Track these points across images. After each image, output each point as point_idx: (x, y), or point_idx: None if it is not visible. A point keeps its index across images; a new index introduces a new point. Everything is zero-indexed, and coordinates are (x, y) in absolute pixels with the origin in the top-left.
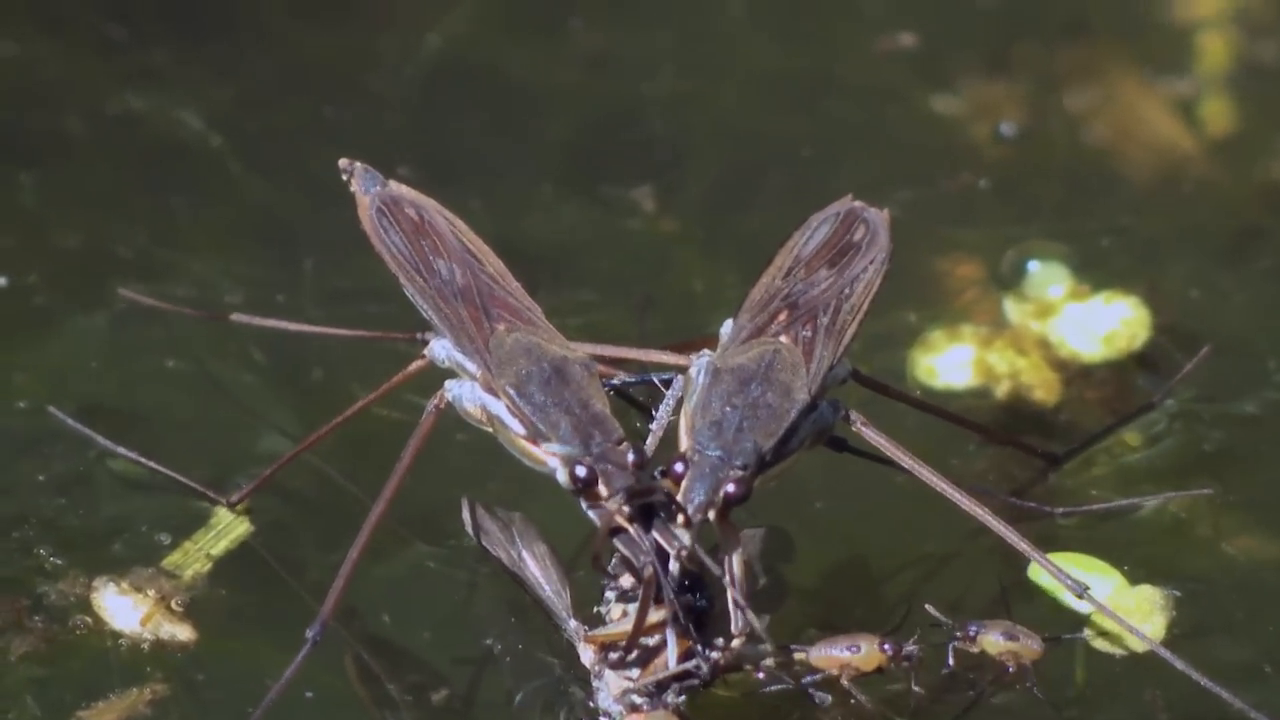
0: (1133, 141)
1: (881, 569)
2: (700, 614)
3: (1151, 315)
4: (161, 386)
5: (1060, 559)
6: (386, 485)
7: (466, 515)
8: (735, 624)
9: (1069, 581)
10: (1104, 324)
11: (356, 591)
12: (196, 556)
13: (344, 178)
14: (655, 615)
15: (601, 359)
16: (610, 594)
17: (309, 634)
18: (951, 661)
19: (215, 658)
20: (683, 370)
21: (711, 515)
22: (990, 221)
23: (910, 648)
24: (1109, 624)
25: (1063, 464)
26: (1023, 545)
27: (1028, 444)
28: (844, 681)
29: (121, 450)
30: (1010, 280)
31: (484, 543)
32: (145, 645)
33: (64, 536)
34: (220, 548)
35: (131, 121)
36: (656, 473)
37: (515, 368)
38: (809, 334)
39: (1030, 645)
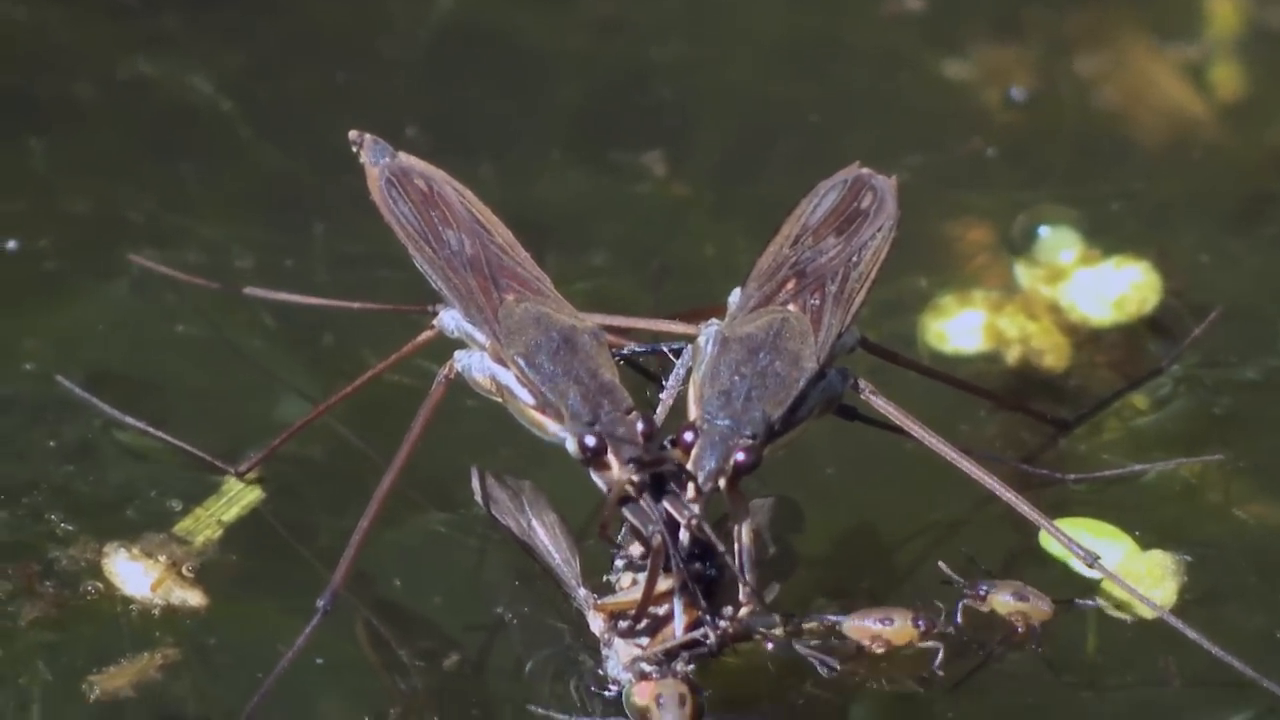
0: (1143, 106)
1: (891, 536)
2: (709, 583)
3: (1162, 280)
4: (172, 352)
5: (1071, 524)
6: (397, 454)
7: (476, 484)
8: (743, 592)
9: (1079, 550)
10: (1114, 289)
11: (368, 558)
12: (207, 523)
13: (354, 149)
14: (664, 584)
15: (611, 329)
16: (619, 562)
17: (319, 603)
18: (960, 619)
19: (226, 623)
20: (691, 340)
21: (722, 483)
22: (1000, 186)
23: (944, 626)
24: (1120, 590)
25: (1073, 429)
26: (1033, 514)
27: (1037, 410)
28: (875, 651)
29: (129, 420)
30: (1021, 245)
31: (493, 511)
32: (156, 611)
33: (74, 502)
34: (231, 514)
35: (142, 86)
36: (666, 442)
37: (524, 338)
38: (817, 302)
39: (1040, 606)
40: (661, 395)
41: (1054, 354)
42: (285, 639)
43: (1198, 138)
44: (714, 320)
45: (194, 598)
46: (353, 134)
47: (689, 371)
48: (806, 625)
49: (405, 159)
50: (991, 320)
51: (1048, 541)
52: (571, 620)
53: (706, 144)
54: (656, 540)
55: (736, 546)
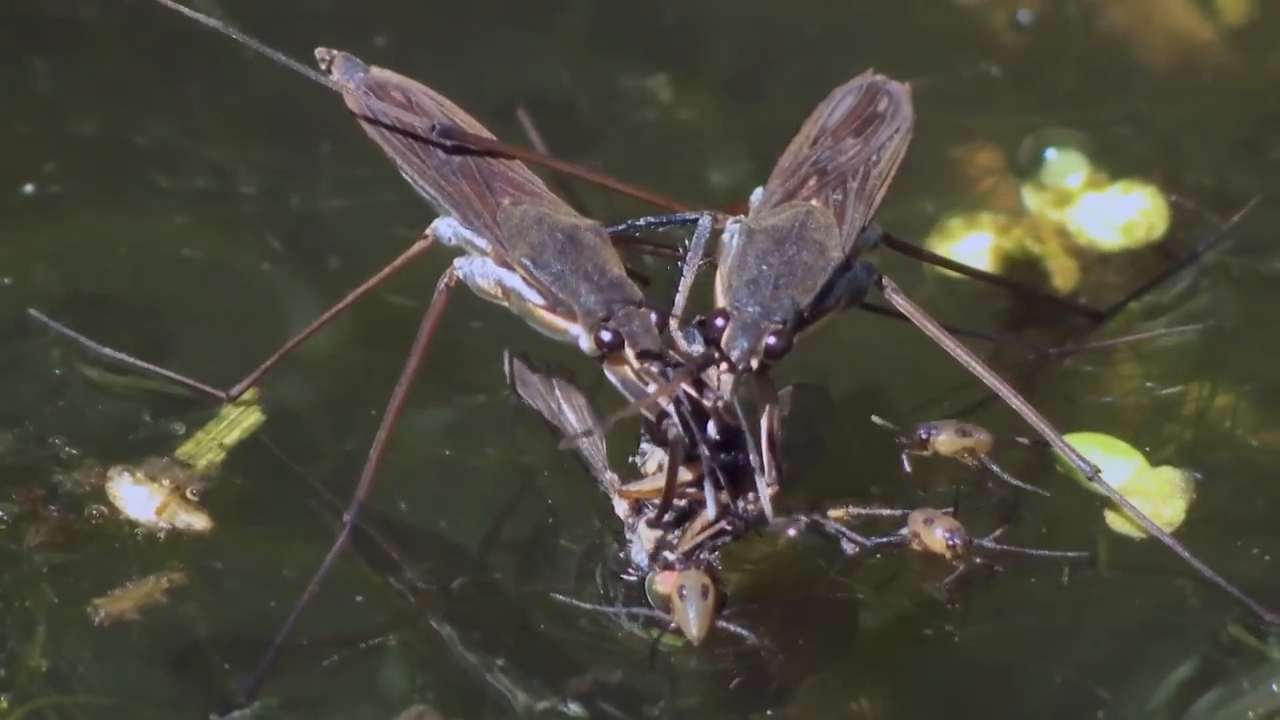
0: (1150, 29)
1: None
2: (735, 470)
3: (1168, 205)
4: (176, 275)
5: (1082, 439)
6: (407, 365)
7: (507, 366)
8: (768, 478)
9: (1081, 463)
10: (1122, 214)
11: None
12: (210, 446)
13: (322, 67)
14: (689, 473)
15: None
16: (646, 445)
17: (346, 518)
18: (908, 468)
19: (231, 547)
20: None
21: (754, 364)
22: (1007, 109)
23: (987, 543)
24: (1131, 506)
25: (1107, 319)
26: (1040, 424)
27: (1067, 300)
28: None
29: (107, 352)
30: (1027, 168)
31: (523, 393)
32: (161, 535)
33: (78, 426)
34: (233, 437)
35: (147, 6)
36: (692, 328)
37: (528, 239)
38: (840, 198)
39: (981, 438)
40: (683, 270)
41: (1062, 276)
42: (291, 562)
43: (1205, 61)
44: (740, 216)
45: (199, 521)
46: (320, 51)
47: (709, 264)
48: (832, 512)
49: (379, 72)
50: (999, 243)
51: (1061, 458)
52: (599, 504)
53: (713, 67)
54: (673, 433)
55: (762, 432)
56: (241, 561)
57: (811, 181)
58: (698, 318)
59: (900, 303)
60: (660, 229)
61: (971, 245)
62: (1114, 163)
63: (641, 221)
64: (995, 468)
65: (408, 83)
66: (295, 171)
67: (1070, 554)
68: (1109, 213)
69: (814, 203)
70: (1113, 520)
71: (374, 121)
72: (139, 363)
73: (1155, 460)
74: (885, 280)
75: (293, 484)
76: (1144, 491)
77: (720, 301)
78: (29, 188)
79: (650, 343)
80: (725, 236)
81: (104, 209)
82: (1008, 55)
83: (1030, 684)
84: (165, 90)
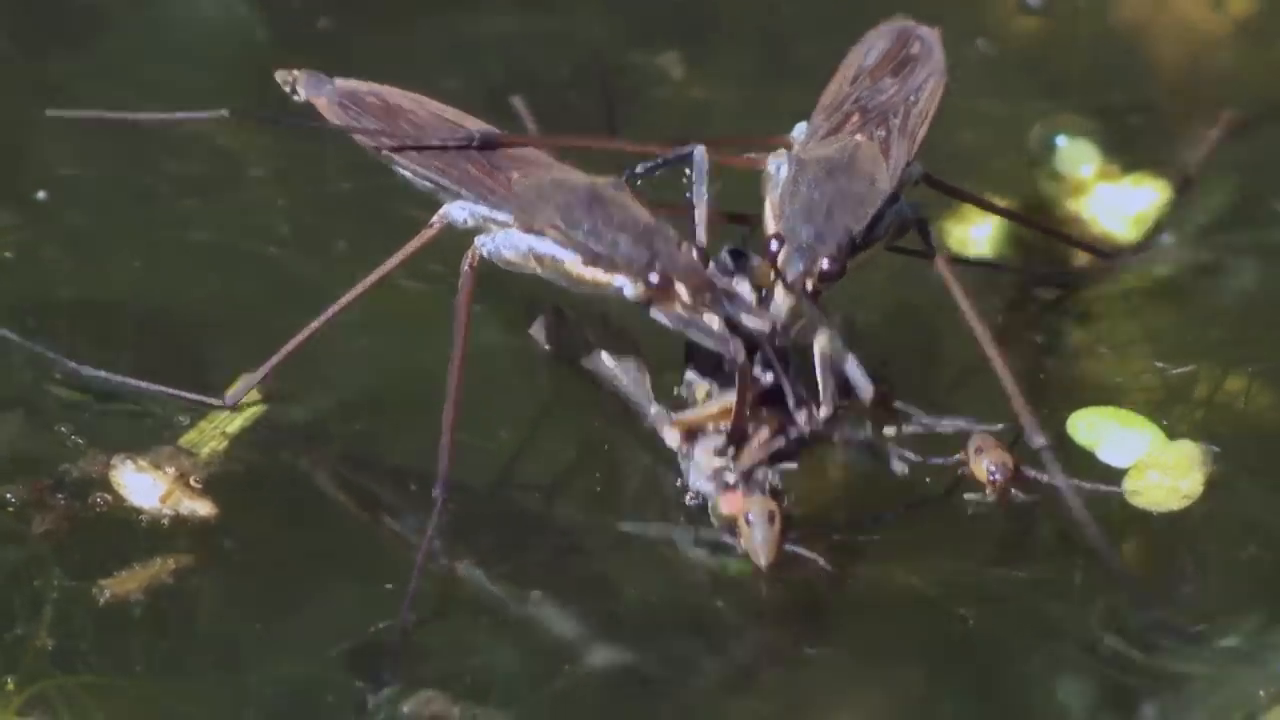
0: (1160, 19)
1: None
2: (791, 392)
3: (1178, 194)
4: (183, 258)
5: (1099, 413)
6: (454, 348)
7: (539, 323)
8: (823, 395)
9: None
10: (1134, 205)
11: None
12: (213, 434)
13: (287, 89)
14: (730, 398)
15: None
16: (691, 375)
17: (435, 493)
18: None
19: (235, 532)
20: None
21: (809, 286)
22: (1017, 95)
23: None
24: (1147, 481)
25: (1129, 259)
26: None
27: (1088, 242)
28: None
29: (86, 369)
30: (1039, 155)
31: (559, 344)
32: (166, 521)
33: (83, 415)
34: (236, 425)
35: None
36: (725, 255)
37: (553, 202)
38: (884, 134)
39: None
40: (693, 203)
41: (1078, 258)
42: (295, 547)
43: (1214, 53)
44: (782, 150)
45: (203, 508)
46: (280, 74)
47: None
48: (888, 430)
49: (344, 83)
50: (1014, 228)
51: (1074, 429)
52: (644, 439)
53: (726, 45)
54: (740, 356)
55: (817, 353)
56: (243, 547)
57: (855, 118)
58: (727, 247)
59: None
60: (658, 172)
61: (986, 229)
62: (1124, 153)
63: (640, 169)
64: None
65: (378, 87)
66: (301, 155)
67: (1103, 486)
68: (1120, 205)
69: (859, 138)
70: (1133, 496)
71: (361, 130)
72: (131, 381)
73: (1172, 435)
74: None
75: (296, 471)
76: (1161, 465)
77: (772, 225)
78: (35, 171)
79: (699, 279)
80: (771, 169)
81: (108, 190)
82: (1017, 39)
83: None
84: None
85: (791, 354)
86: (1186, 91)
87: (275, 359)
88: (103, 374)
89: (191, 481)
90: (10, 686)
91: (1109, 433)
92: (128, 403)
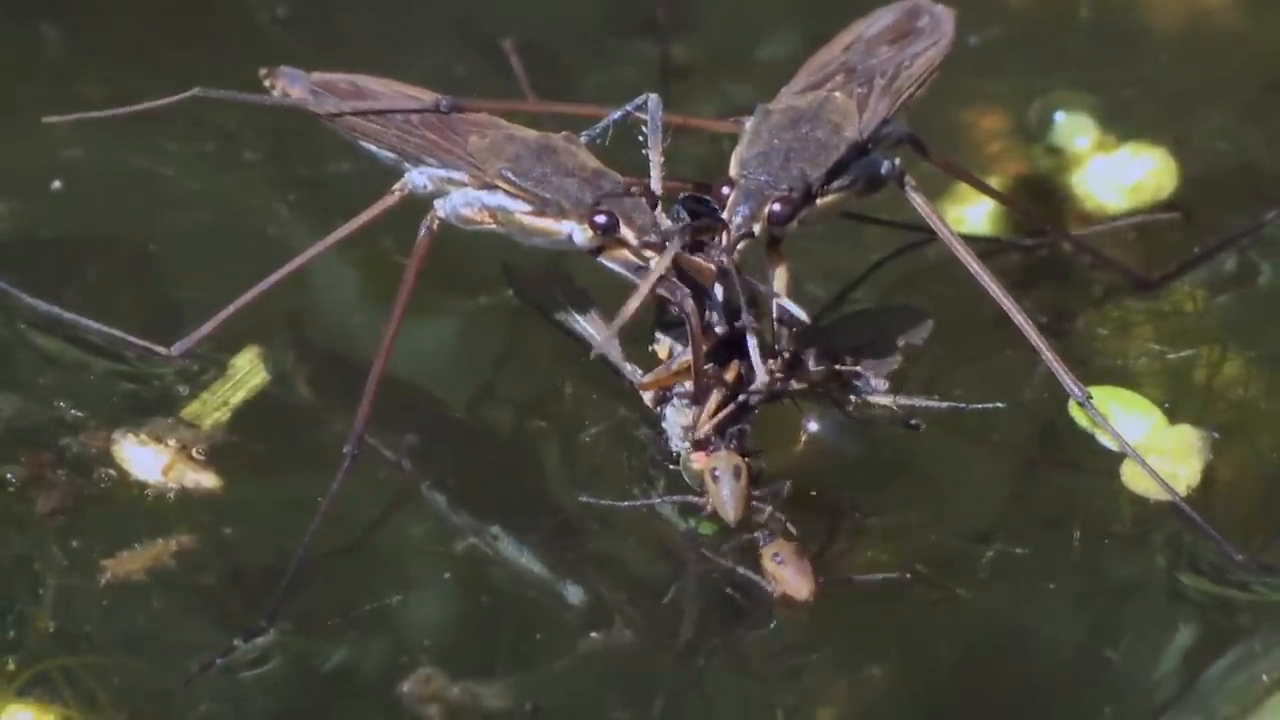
0: None
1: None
2: (747, 340)
3: (1179, 167)
4: (183, 235)
5: (1101, 393)
6: (395, 304)
7: (510, 278)
8: (780, 343)
9: (1072, 387)
10: (1130, 175)
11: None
12: (215, 406)
13: (266, 84)
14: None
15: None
16: (659, 334)
17: (346, 449)
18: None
19: (239, 505)
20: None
21: (755, 230)
22: (1016, 73)
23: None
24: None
25: (1156, 289)
26: (1035, 338)
27: (1127, 269)
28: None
29: (43, 305)
30: (1036, 131)
31: (533, 302)
32: (170, 495)
33: (82, 388)
34: (238, 397)
35: None
36: (678, 204)
37: (504, 154)
38: (864, 91)
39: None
40: (649, 155)
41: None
42: (297, 518)
43: (1214, 24)
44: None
45: (207, 480)
46: (262, 72)
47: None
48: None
49: (320, 76)
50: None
51: (1078, 412)
52: (625, 396)
53: (711, 36)
54: (689, 304)
55: (773, 301)
56: (247, 519)
57: (839, 77)
58: (684, 193)
59: (919, 202)
60: (615, 124)
61: (982, 208)
62: (1122, 126)
63: (599, 127)
64: None
65: (350, 76)
66: (303, 135)
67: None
68: (1117, 175)
69: (836, 93)
70: (1130, 480)
71: (335, 115)
72: (79, 319)
73: (1173, 419)
74: (908, 178)
75: (298, 442)
76: (1160, 449)
77: (732, 169)
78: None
79: (645, 219)
80: (746, 126)
81: (114, 171)
82: (1016, 17)
83: (1040, 647)
84: (175, 55)
85: (743, 301)
86: (1186, 64)
87: (224, 313)
88: (55, 309)
89: (194, 454)
90: (12, 667)
91: (1110, 415)
92: (126, 374)
